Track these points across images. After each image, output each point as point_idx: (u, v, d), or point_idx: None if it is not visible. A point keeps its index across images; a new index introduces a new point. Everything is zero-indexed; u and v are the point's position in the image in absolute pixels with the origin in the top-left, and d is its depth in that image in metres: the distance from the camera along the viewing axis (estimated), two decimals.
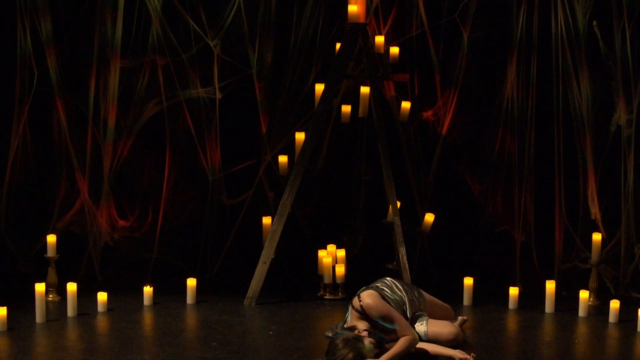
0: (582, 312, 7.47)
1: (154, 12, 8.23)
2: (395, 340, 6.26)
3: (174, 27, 8.31)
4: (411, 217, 8.25)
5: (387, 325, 6.32)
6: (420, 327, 6.56)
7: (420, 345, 6.43)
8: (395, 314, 6.34)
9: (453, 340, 6.53)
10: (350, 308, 6.44)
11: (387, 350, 6.17)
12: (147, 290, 7.61)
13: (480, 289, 7.86)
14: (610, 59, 8.00)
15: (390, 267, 7.91)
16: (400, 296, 6.60)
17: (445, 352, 6.35)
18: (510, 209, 8.31)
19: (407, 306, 6.59)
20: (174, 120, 8.43)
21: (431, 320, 6.61)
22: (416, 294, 6.76)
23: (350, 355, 5.89)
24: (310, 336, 6.84)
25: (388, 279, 6.71)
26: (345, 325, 6.42)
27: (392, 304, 6.45)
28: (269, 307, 7.62)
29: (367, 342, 6.03)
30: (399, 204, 7.78)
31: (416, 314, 6.67)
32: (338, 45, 8.02)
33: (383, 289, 6.55)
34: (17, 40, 8.13)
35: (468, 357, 6.24)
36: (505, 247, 8.33)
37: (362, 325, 6.28)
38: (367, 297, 6.37)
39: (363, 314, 6.34)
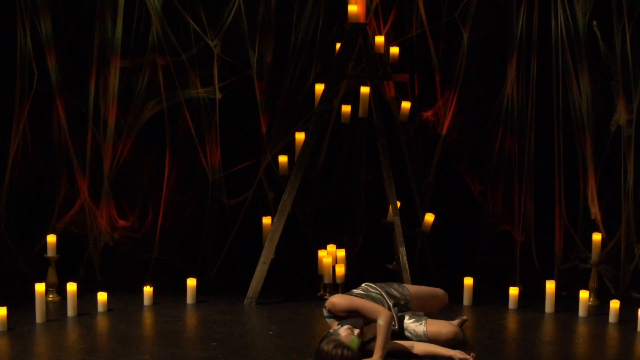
0: (582, 312, 7.47)
1: (154, 12, 8.23)
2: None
3: (174, 27, 8.31)
4: (411, 217, 8.25)
5: (363, 317, 6.31)
6: (419, 327, 6.56)
7: (420, 345, 6.43)
8: (360, 301, 6.35)
9: (452, 339, 6.53)
10: (326, 320, 6.47)
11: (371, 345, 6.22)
12: (147, 290, 7.61)
13: (480, 289, 7.87)
14: (610, 59, 8.00)
15: (390, 267, 7.91)
16: (376, 293, 6.61)
17: (445, 352, 6.35)
18: (510, 209, 8.31)
19: (386, 299, 6.59)
20: (174, 120, 8.43)
21: (430, 320, 6.61)
22: (396, 286, 6.76)
23: (331, 346, 5.90)
24: (310, 336, 6.84)
25: (363, 285, 6.75)
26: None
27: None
28: (269, 307, 7.62)
29: (342, 330, 6.07)
30: (399, 204, 7.78)
31: (414, 314, 6.67)
32: (338, 45, 8.02)
33: (352, 292, 6.60)
34: (17, 40, 8.13)
35: (468, 357, 6.24)
36: (505, 247, 8.33)
37: (336, 325, 6.29)
38: (331, 299, 6.42)
39: (335, 316, 6.35)
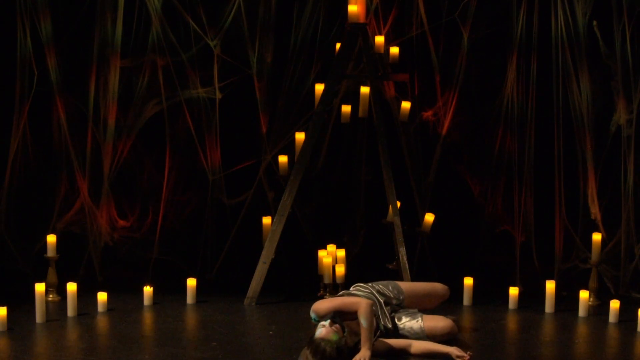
0: (582, 312, 7.47)
1: (154, 12, 8.23)
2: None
3: (174, 27, 8.31)
4: (411, 217, 8.25)
5: (347, 313, 6.32)
6: (416, 324, 6.57)
7: (417, 344, 6.45)
8: (339, 299, 6.38)
9: (448, 333, 6.57)
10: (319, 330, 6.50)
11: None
12: (147, 290, 7.61)
13: (480, 289, 7.86)
14: (610, 59, 8.00)
15: (390, 267, 7.91)
16: (366, 293, 6.62)
17: (442, 349, 6.38)
18: (510, 209, 8.31)
19: (377, 297, 6.60)
20: (174, 120, 8.43)
21: (425, 316, 6.64)
22: (388, 284, 6.77)
23: (312, 348, 5.96)
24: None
25: (352, 287, 6.76)
26: None
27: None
28: (269, 307, 7.62)
29: (319, 330, 6.13)
30: (399, 204, 7.78)
31: (407, 312, 6.68)
32: (338, 45, 8.02)
33: (337, 294, 6.63)
34: (17, 40, 8.13)
35: (464, 354, 6.26)
36: (505, 247, 8.33)
37: None
38: (313, 306, 6.43)
39: (322, 320, 6.37)
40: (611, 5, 7.94)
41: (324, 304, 6.38)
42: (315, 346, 5.96)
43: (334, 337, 6.07)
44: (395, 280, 6.99)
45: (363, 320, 6.21)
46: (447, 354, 6.33)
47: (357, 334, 6.33)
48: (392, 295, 6.72)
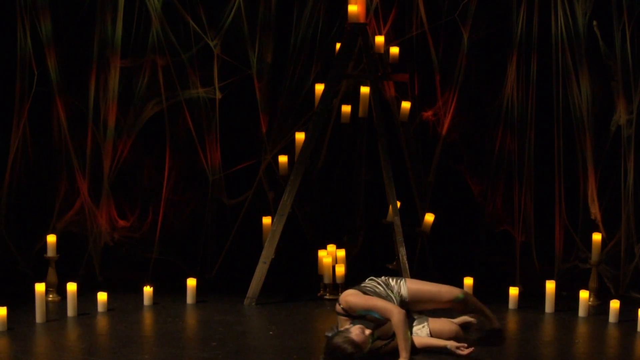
0: (582, 312, 7.47)
1: (154, 12, 8.23)
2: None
3: (174, 27, 8.31)
4: (411, 217, 8.25)
5: (375, 316, 6.32)
6: (422, 329, 6.57)
7: (416, 339, 6.46)
8: (376, 301, 6.35)
9: (454, 338, 6.57)
10: (337, 316, 6.47)
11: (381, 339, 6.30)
12: (147, 290, 7.61)
13: (480, 289, 7.86)
14: (610, 59, 8.00)
15: (390, 267, 7.91)
16: (384, 293, 6.61)
17: (440, 343, 6.43)
18: (510, 209, 8.31)
19: (393, 297, 6.60)
20: (174, 120, 8.43)
21: (431, 320, 6.63)
22: (400, 283, 6.73)
23: (342, 341, 5.98)
24: (310, 336, 6.84)
25: (367, 281, 6.71)
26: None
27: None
28: (269, 307, 7.62)
29: (354, 328, 6.12)
30: (399, 204, 7.78)
31: (413, 316, 6.67)
32: (338, 45, 8.02)
33: (365, 286, 6.58)
34: (17, 40, 8.13)
35: (462, 345, 6.29)
36: (505, 247, 8.33)
37: (347, 323, 6.32)
38: (346, 297, 6.42)
39: (348, 315, 6.36)
40: (611, 5, 7.94)
41: (358, 299, 6.34)
42: (342, 345, 5.96)
43: (367, 344, 6.09)
44: (405, 278, 6.91)
45: (398, 332, 6.20)
46: (444, 348, 6.36)
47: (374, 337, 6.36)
48: (399, 298, 6.70)
